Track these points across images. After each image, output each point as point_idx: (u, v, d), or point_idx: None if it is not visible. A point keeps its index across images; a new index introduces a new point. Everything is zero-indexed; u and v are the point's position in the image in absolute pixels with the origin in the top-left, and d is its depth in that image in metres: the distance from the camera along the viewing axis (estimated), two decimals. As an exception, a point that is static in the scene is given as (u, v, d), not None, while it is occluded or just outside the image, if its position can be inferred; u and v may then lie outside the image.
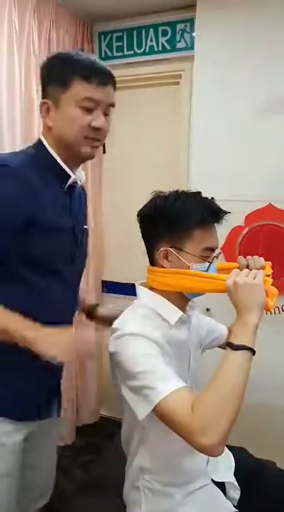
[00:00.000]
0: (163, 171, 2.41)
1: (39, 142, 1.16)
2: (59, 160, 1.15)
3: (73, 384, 2.50)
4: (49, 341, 1.03)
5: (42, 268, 1.12)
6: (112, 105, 1.17)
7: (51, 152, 1.14)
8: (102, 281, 2.71)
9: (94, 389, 2.63)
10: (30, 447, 1.25)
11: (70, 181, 1.17)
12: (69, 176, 1.17)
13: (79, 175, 1.22)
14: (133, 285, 1.20)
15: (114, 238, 2.67)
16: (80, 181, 1.23)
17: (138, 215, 1.16)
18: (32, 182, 1.08)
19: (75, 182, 1.19)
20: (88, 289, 2.57)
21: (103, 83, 1.10)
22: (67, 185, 1.17)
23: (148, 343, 1.00)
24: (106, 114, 1.15)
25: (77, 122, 1.09)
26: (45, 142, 1.15)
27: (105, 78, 1.10)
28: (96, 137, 1.13)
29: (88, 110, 1.09)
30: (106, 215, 2.67)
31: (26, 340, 1.02)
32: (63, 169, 1.16)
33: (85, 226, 1.33)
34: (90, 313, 1.49)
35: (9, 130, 1.86)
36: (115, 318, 1.29)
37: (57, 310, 1.19)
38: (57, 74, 1.10)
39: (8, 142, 1.85)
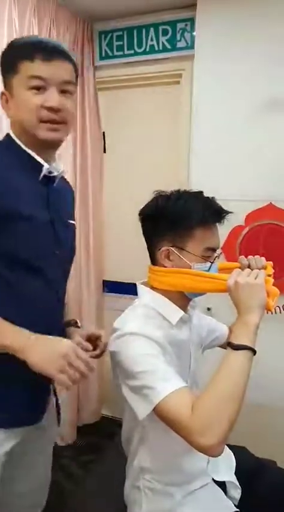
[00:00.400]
0: (164, 171, 2.40)
1: (7, 135, 1.12)
2: (27, 150, 1.09)
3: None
4: (40, 352, 0.97)
5: (19, 264, 1.05)
6: (69, 82, 1.08)
7: (18, 143, 1.09)
8: (103, 281, 2.70)
9: (96, 389, 2.63)
10: (20, 454, 1.18)
11: (44, 170, 1.10)
12: (42, 166, 1.10)
13: (56, 166, 1.15)
14: (134, 284, 1.20)
15: (114, 238, 2.67)
16: (58, 172, 1.15)
17: (139, 214, 1.16)
18: (5, 174, 1.05)
19: (50, 172, 1.12)
20: (89, 289, 2.58)
21: (49, 58, 1.03)
22: (41, 175, 1.10)
23: (149, 342, 1.00)
24: (64, 92, 1.07)
25: (28, 104, 1.04)
26: (12, 134, 1.11)
27: (51, 53, 1.04)
28: (54, 118, 1.06)
29: (39, 90, 1.03)
30: (107, 214, 2.67)
31: (10, 349, 0.98)
32: (35, 159, 1.09)
33: (71, 221, 1.24)
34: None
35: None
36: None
37: (38, 310, 1.10)
38: (7, 61, 1.08)
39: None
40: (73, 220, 1.27)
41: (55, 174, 1.14)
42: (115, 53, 2.45)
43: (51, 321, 1.15)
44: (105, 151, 2.63)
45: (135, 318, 1.07)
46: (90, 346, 1.19)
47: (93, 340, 1.26)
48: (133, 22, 2.36)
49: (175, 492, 1.13)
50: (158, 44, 2.33)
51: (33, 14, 1.96)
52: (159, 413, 0.94)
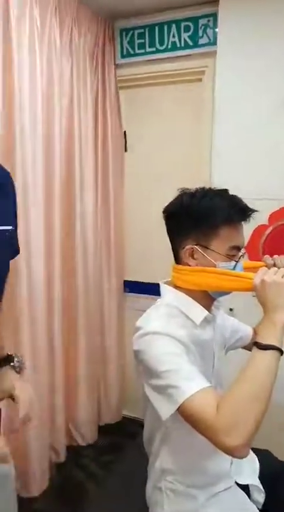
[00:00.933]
0: (186, 169, 2.38)
1: None
2: None
3: (96, 383, 2.51)
4: None
5: None
6: None
7: None
8: (124, 281, 2.70)
9: (117, 389, 2.63)
10: None
11: None
12: None
13: None
14: (156, 284, 1.18)
15: (136, 238, 2.66)
16: None
17: (163, 212, 1.15)
18: None
19: None
20: (110, 289, 2.58)
21: None
22: None
23: (173, 341, 0.99)
24: None
25: None
26: None
27: None
28: None
29: None
30: (128, 214, 2.66)
31: None
32: None
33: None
34: None
35: (31, 126, 1.87)
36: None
37: None
38: None
39: (30, 138, 1.86)
40: (3, 224, 0.97)
41: None
42: (137, 51, 2.43)
43: None
44: (126, 150, 2.63)
45: (158, 317, 1.06)
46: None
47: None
48: (155, 19, 2.34)
49: (198, 494, 1.12)
50: (180, 40, 2.31)
51: (54, 13, 1.97)
52: (183, 413, 0.92)
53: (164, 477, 1.14)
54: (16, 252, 1.11)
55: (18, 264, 1.85)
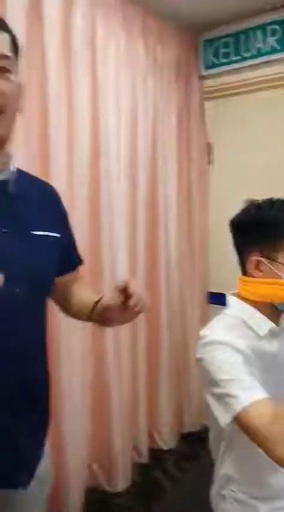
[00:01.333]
0: (274, 182, 2.26)
1: None
2: None
3: (178, 391, 2.56)
4: None
5: None
6: (4, 56, 0.84)
7: None
8: (209, 292, 2.70)
9: (198, 398, 2.63)
10: None
11: None
12: None
13: (4, 170, 0.91)
14: None
15: (221, 250, 2.62)
16: (5, 176, 0.91)
17: (230, 224, 1.15)
18: None
19: None
20: (192, 301, 2.59)
21: None
22: None
23: (234, 352, 0.99)
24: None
25: None
26: None
27: None
28: None
29: None
30: (213, 225, 2.65)
31: None
32: None
33: (36, 232, 0.94)
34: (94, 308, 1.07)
35: (116, 144, 1.97)
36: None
37: None
38: None
39: (116, 160, 1.97)
40: (47, 230, 0.97)
41: (1, 178, 0.91)
42: (222, 61, 2.43)
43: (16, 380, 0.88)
44: (211, 163, 2.61)
45: (221, 327, 1.08)
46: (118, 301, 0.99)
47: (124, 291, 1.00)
48: (239, 27, 2.32)
49: (261, 506, 1.09)
50: (266, 45, 2.26)
51: (139, 34, 2.07)
52: (239, 422, 0.92)
53: (228, 485, 1.13)
54: (75, 261, 1.17)
55: (103, 271, 1.96)
